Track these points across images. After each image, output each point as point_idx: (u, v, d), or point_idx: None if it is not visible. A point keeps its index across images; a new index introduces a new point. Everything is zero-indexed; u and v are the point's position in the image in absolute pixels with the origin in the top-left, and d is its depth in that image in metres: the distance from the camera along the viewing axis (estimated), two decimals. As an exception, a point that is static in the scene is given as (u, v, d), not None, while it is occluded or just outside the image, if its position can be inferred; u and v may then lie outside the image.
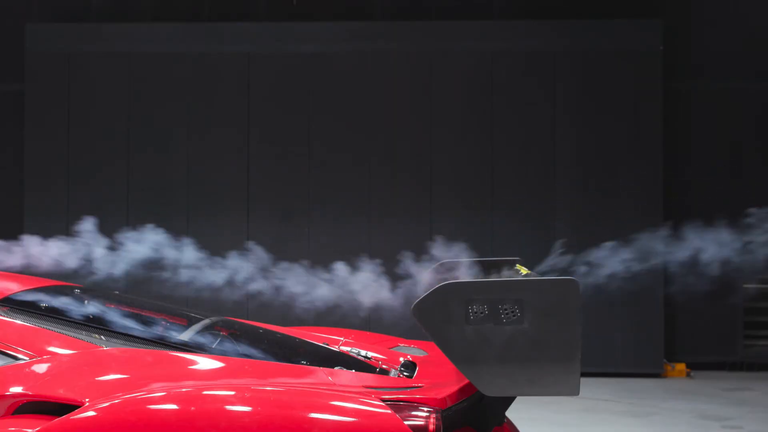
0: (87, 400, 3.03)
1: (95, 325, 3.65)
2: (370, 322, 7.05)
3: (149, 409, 2.97)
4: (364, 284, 4.30)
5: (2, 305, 3.60)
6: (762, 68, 10.48)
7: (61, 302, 3.82)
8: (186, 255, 4.59)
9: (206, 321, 4.06)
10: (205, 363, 3.42)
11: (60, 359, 3.30)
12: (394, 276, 4.41)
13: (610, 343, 9.78)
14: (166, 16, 10.63)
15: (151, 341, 3.60)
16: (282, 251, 9.92)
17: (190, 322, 4.00)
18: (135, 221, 10.03)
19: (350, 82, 10.24)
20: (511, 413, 3.85)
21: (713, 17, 10.57)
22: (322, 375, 3.41)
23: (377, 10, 10.65)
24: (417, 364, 3.85)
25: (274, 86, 10.24)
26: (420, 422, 2.93)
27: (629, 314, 9.79)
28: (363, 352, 4.06)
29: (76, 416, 2.95)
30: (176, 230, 10.46)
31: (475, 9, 10.58)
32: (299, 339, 4.22)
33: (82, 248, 4.56)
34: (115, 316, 3.83)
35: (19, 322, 3.50)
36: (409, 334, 4.80)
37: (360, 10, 10.64)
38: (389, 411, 2.95)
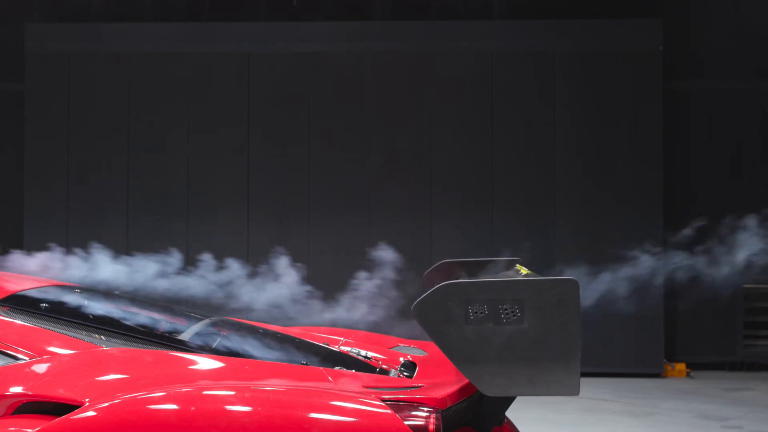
0: (87, 400, 3.03)
1: (95, 325, 3.65)
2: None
3: (149, 409, 2.97)
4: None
5: (2, 305, 3.60)
6: (762, 67, 10.48)
7: (61, 302, 3.82)
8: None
9: (206, 321, 4.06)
10: (205, 363, 3.42)
11: (60, 359, 3.30)
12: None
13: (610, 343, 9.78)
14: (165, 16, 10.63)
15: (151, 341, 3.60)
16: (282, 251, 9.95)
17: (190, 322, 4.00)
18: (135, 221, 10.05)
19: (350, 82, 10.24)
20: (511, 413, 3.85)
21: (713, 17, 10.57)
22: (322, 375, 3.42)
23: (377, 10, 10.65)
24: (417, 364, 3.85)
25: (273, 86, 10.24)
26: (420, 422, 2.93)
27: (629, 314, 9.78)
28: (363, 352, 4.06)
29: (76, 416, 2.95)
30: (176, 230, 10.49)
31: (475, 9, 10.58)
32: (299, 339, 4.22)
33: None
34: (115, 316, 3.84)
35: (19, 322, 3.50)
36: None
37: (360, 10, 10.64)
38: (389, 411, 2.95)
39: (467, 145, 10.16)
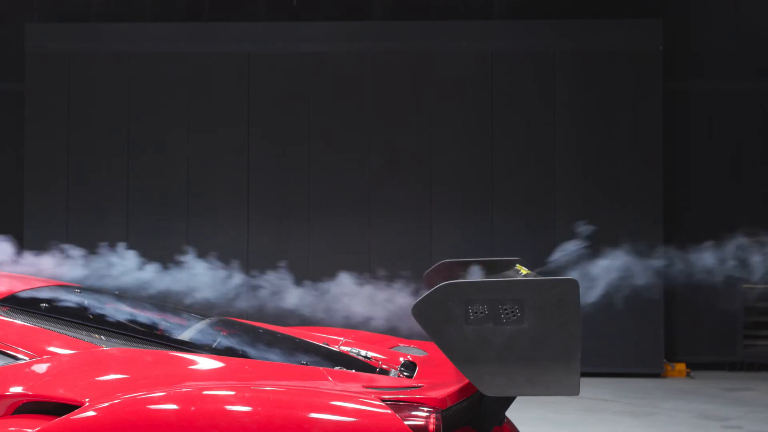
0: (87, 400, 3.03)
1: (95, 325, 3.65)
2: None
3: (149, 409, 2.97)
4: None
5: (2, 305, 3.60)
6: (762, 67, 10.48)
7: (61, 302, 3.82)
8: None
9: (206, 321, 4.06)
10: (205, 363, 3.42)
11: (60, 359, 3.30)
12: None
13: (610, 343, 9.78)
14: (165, 16, 10.63)
15: (151, 341, 3.60)
16: (282, 251, 9.96)
17: (190, 322, 4.00)
18: (135, 221, 10.05)
19: (350, 82, 10.24)
20: (511, 413, 3.85)
21: (713, 17, 10.57)
22: (322, 375, 3.42)
23: (377, 10, 10.65)
24: (417, 364, 3.85)
25: (273, 86, 10.24)
26: (420, 422, 2.93)
27: (629, 314, 9.78)
28: (363, 352, 4.06)
29: (76, 416, 2.95)
30: (176, 230, 10.48)
31: (475, 9, 10.58)
32: (299, 339, 4.22)
33: None
34: (115, 316, 3.83)
35: (19, 322, 3.50)
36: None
37: (360, 10, 10.64)
38: (389, 411, 2.95)
39: (467, 145, 10.16)
